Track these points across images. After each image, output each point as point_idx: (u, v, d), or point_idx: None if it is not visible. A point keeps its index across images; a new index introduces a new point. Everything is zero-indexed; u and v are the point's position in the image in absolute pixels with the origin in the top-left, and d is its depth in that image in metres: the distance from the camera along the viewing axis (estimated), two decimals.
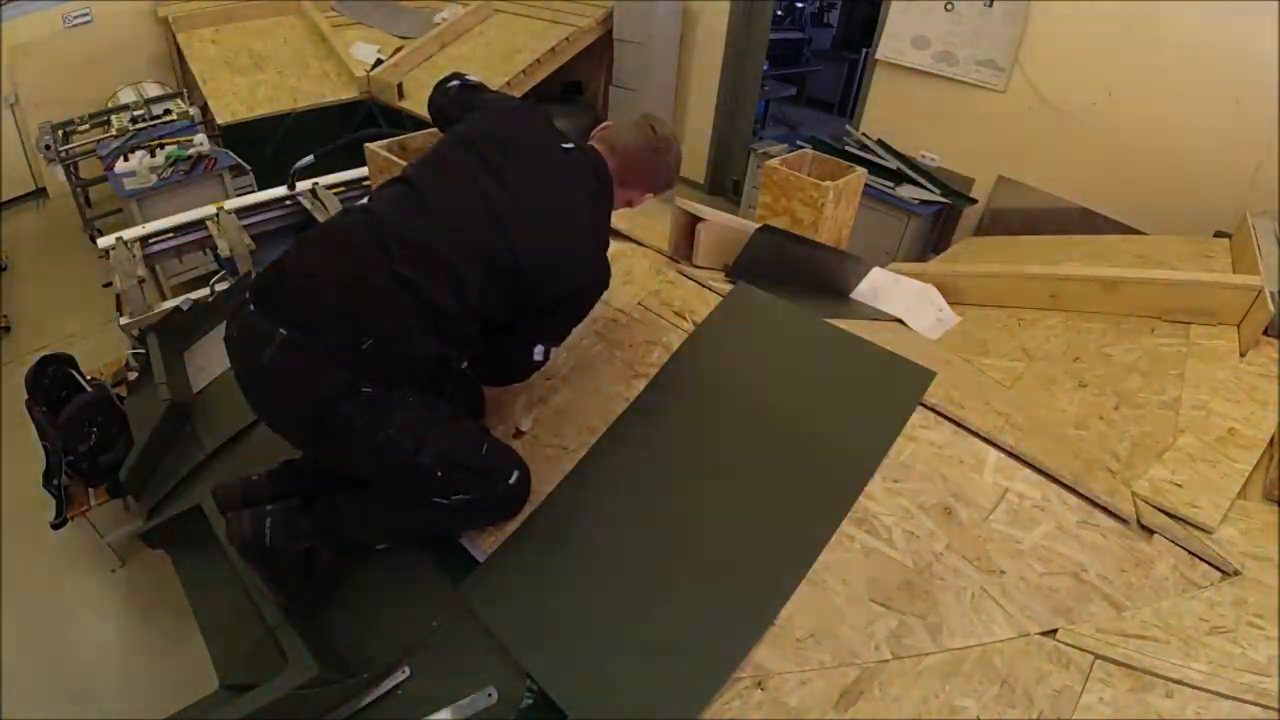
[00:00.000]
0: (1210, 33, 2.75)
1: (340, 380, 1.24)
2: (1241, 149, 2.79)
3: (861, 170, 2.55)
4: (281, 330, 1.23)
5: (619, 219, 2.09)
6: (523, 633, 1.28)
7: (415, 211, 1.33)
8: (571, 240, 1.39)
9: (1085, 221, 3.23)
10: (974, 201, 3.61)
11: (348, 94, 4.44)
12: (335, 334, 1.24)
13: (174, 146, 3.52)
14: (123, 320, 2.30)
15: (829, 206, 2.43)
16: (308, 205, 2.92)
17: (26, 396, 2.35)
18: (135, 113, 3.86)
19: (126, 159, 3.42)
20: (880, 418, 1.44)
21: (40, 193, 4.79)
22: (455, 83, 1.66)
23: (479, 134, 1.44)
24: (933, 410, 1.45)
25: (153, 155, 3.46)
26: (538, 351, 1.48)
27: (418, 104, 4.14)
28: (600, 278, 1.49)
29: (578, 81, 5.21)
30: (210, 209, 2.83)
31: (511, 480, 1.43)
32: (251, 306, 1.28)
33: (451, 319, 1.31)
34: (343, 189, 3.05)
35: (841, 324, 1.67)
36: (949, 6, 3.43)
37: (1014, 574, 1.22)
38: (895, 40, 3.68)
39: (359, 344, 1.24)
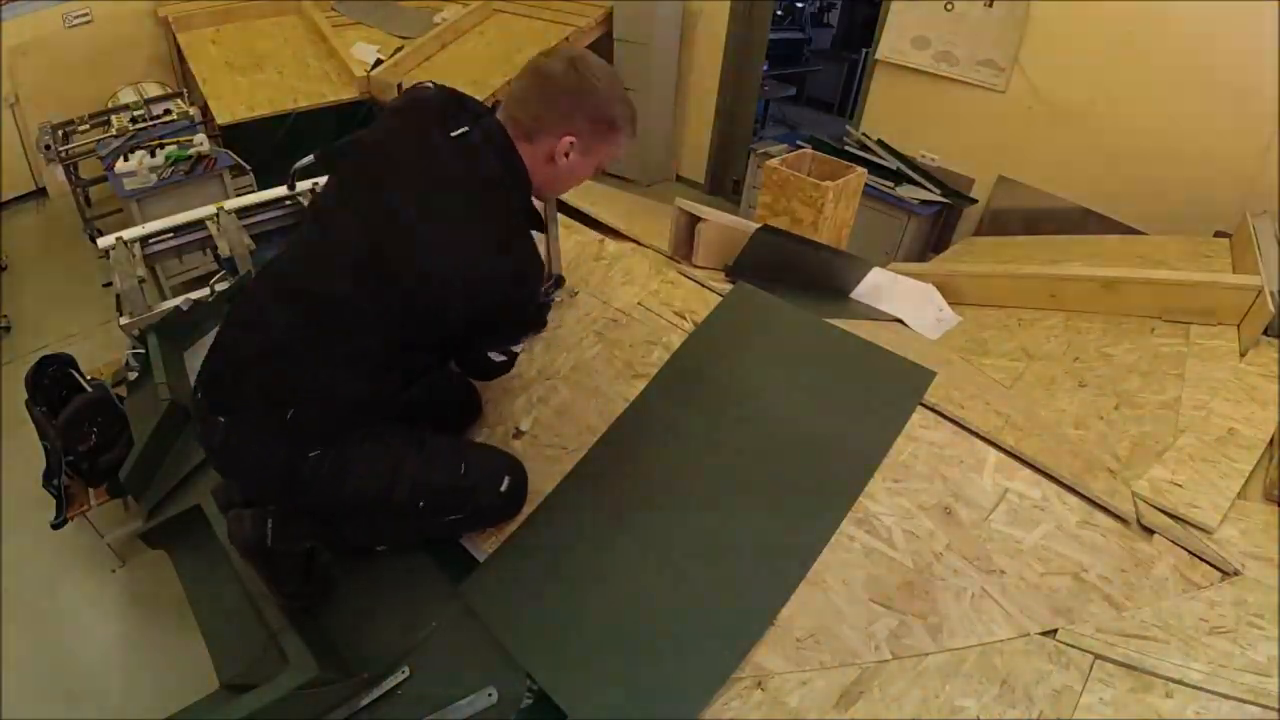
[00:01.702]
0: (1210, 32, 2.74)
1: (284, 454, 1.24)
2: (1242, 149, 2.79)
3: (861, 170, 2.56)
4: (220, 419, 1.25)
5: (620, 219, 2.10)
6: (523, 633, 1.28)
7: (312, 256, 1.27)
8: (460, 251, 1.18)
9: (1085, 221, 3.23)
10: (974, 201, 3.61)
11: (348, 94, 4.44)
12: (261, 413, 1.24)
13: (174, 146, 3.52)
14: (123, 320, 2.30)
15: (829, 206, 2.43)
16: (307, 205, 2.92)
17: (26, 396, 2.35)
18: (135, 113, 3.85)
19: (126, 159, 3.41)
20: (880, 418, 1.44)
21: (40, 193, 4.78)
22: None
23: (366, 148, 1.30)
24: (933, 410, 1.45)
25: (153, 155, 3.45)
26: (495, 355, 1.42)
27: None
28: (507, 277, 1.24)
29: None
30: (210, 209, 2.83)
31: (503, 487, 1.42)
32: (199, 394, 1.30)
33: (376, 359, 1.24)
34: None
35: (841, 324, 1.67)
36: (949, 6, 3.43)
37: (1014, 574, 1.22)
38: (895, 40, 3.68)
39: (285, 416, 1.22)
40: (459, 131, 1.22)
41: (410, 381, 1.34)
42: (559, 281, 1.83)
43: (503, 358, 1.43)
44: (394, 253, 1.18)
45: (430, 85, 1.36)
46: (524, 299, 1.36)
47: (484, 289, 1.19)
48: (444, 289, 1.18)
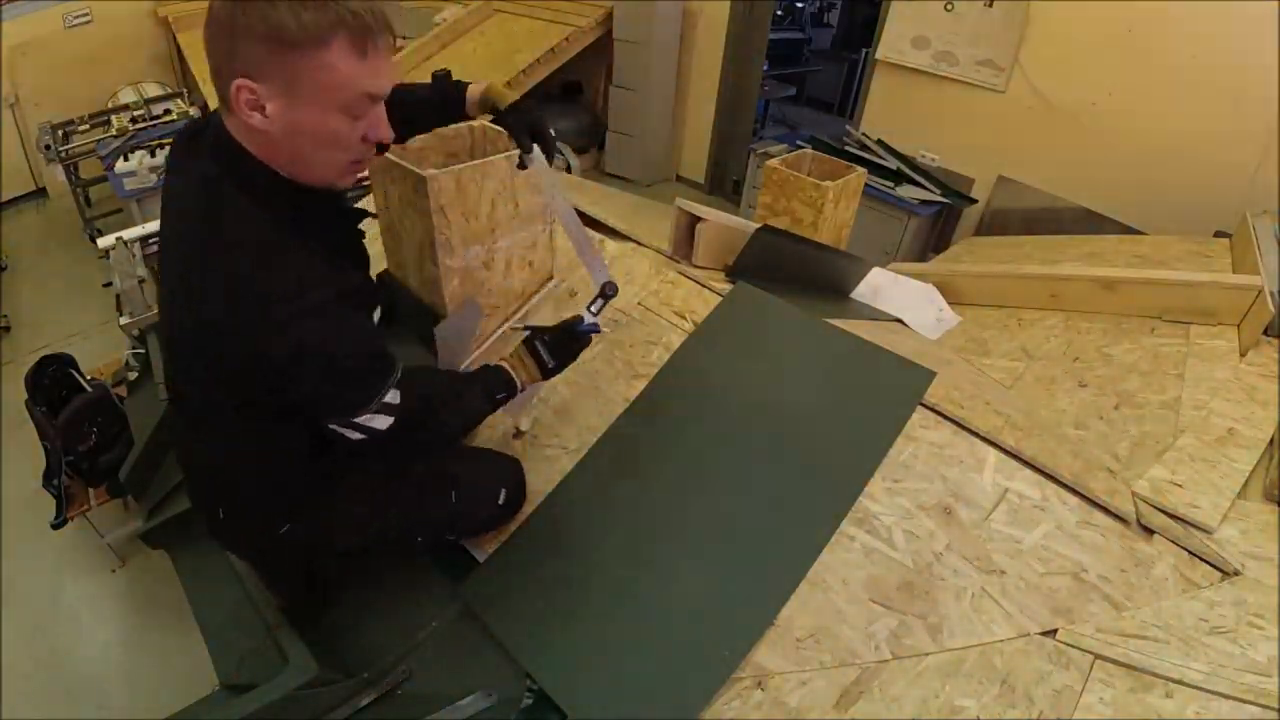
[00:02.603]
0: (1210, 33, 2.74)
1: (257, 539, 1.22)
2: (1241, 149, 2.79)
3: (861, 170, 2.55)
4: (202, 514, 1.27)
5: (620, 219, 2.09)
6: (523, 633, 1.28)
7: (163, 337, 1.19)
8: (202, 300, 0.89)
9: (1085, 221, 3.23)
10: (974, 201, 3.61)
11: None
12: (208, 516, 1.22)
13: None
14: (123, 320, 2.30)
15: (829, 206, 2.43)
16: None
17: (26, 396, 2.35)
18: (135, 113, 3.86)
19: (126, 159, 3.42)
20: (880, 418, 1.44)
21: (40, 193, 4.78)
22: None
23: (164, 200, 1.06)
24: (933, 410, 1.45)
25: (153, 155, 3.46)
26: (349, 433, 1.01)
27: None
28: (256, 318, 0.86)
29: (578, 81, 5.21)
30: None
31: (500, 500, 1.41)
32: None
33: (248, 439, 1.06)
34: None
35: (841, 324, 1.67)
36: (949, 6, 3.43)
37: (1014, 574, 1.22)
38: (895, 40, 3.68)
39: (218, 517, 1.19)
40: (199, 143, 0.95)
41: (322, 447, 1.08)
42: (607, 291, 1.33)
43: (359, 435, 1.00)
44: (172, 321, 0.98)
45: None
46: (307, 343, 0.88)
47: (233, 341, 0.87)
48: (201, 354, 0.93)
